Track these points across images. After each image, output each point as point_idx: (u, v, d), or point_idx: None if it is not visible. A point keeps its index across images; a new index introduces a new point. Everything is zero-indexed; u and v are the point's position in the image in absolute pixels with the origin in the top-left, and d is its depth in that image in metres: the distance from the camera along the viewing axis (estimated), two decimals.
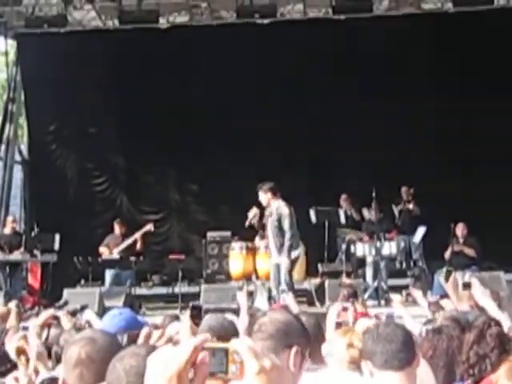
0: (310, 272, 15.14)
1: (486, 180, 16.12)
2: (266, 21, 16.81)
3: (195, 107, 17.20)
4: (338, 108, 16.88)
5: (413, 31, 16.65)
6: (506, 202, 15.82)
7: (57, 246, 14.79)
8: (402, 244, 14.68)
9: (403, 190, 15.81)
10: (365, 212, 15.49)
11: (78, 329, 5.65)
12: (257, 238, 14.43)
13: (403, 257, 15.05)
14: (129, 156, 17.98)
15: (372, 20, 16.59)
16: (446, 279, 7.22)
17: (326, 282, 13.45)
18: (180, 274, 14.34)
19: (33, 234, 16.21)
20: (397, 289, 11.32)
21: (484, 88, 16.33)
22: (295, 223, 12.06)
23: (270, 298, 12.87)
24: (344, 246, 15.14)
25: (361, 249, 14.06)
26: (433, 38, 16.62)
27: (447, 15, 16.77)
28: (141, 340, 3.86)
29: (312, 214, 15.29)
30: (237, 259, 14.95)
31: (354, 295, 8.72)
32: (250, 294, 12.36)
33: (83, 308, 7.29)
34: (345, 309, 6.56)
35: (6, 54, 18.29)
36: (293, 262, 12.12)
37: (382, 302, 13.01)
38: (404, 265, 15.22)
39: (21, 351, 4.90)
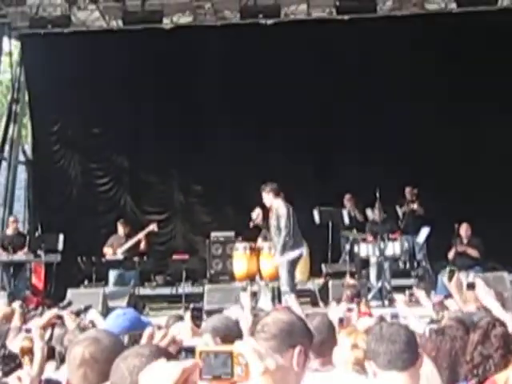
0: (314, 272, 15.14)
1: (490, 180, 16.12)
2: (269, 21, 16.83)
3: (199, 107, 17.19)
4: (341, 108, 16.89)
5: (416, 31, 16.63)
6: (509, 203, 15.80)
7: (60, 246, 14.81)
8: (406, 244, 14.66)
9: (407, 190, 15.81)
10: (368, 212, 15.48)
11: (82, 329, 5.65)
12: (259, 239, 14.43)
13: (407, 257, 15.03)
14: (132, 156, 17.99)
15: (376, 20, 16.58)
16: (450, 279, 7.19)
17: (330, 283, 13.46)
18: (184, 274, 14.35)
19: (36, 234, 16.24)
20: (400, 289, 11.30)
21: (487, 87, 16.33)
22: (295, 223, 12.08)
23: (273, 298, 12.89)
24: (348, 247, 15.13)
25: (364, 249, 14.05)
26: (436, 38, 16.59)
27: (451, 15, 16.74)
28: (144, 340, 3.86)
29: (316, 214, 15.28)
30: (240, 260, 14.93)
31: (357, 296, 8.74)
32: (254, 295, 12.36)
33: (87, 308, 7.31)
34: (350, 309, 6.58)
35: (10, 54, 18.30)
36: (295, 262, 12.14)
37: (386, 302, 12.99)
38: (408, 265, 15.21)
39: (25, 351, 4.90)
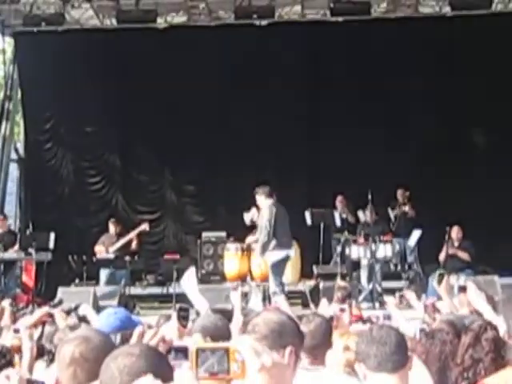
0: (305, 274, 15.16)
1: (482, 184, 16.16)
2: (264, 22, 16.81)
3: (192, 107, 17.17)
4: (335, 109, 16.88)
5: (410, 34, 16.66)
6: (501, 206, 15.85)
7: (52, 244, 14.76)
8: (397, 247, 14.69)
9: (399, 192, 15.85)
10: (360, 214, 15.50)
11: (73, 327, 5.64)
12: (249, 237, 14.30)
13: (398, 259, 15.06)
14: (125, 155, 17.96)
15: (370, 22, 16.59)
16: (439, 283, 7.23)
17: (321, 284, 13.46)
18: (175, 274, 14.31)
19: (28, 232, 16.18)
20: (391, 291, 11.31)
21: (482, 90, 16.37)
22: (284, 224, 12.10)
23: (264, 299, 12.90)
24: (339, 248, 15.15)
25: (356, 251, 14.07)
26: (430, 41, 16.62)
27: (445, 19, 16.77)
28: (134, 339, 3.85)
29: (307, 215, 15.30)
30: (232, 260, 14.94)
31: (348, 297, 8.75)
32: (245, 295, 12.37)
33: (77, 307, 7.29)
34: (342, 310, 6.59)
35: (4, 51, 18.25)
36: (280, 263, 12.16)
37: (377, 304, 13.01)
38: (399, 267, 15.25)
39: (16, 350, 4.90)
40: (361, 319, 7.14)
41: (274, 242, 12.02)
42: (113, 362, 2.60)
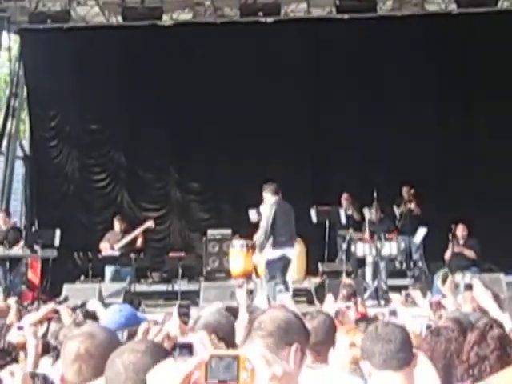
0: (310, 271, 15.16)
1: (487, 181, 16.12)
2: (269, 19, 16.81)
3: (197, 104, 17.18)
4: (340, 107, 16.86)
5: (416, 32, 16.64)
6: (506, 204, 15.81)
7: (57, 241, 14.78)
8: (403, 244, 14.66)
9: (404, 190, 15.82)
10: (366, 212, 15.46)
11: (78, 324, 5.65)
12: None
13: (403, 257, 15.03)
14: (130, 153, 17.97)
15: (376, 20, 16.57)
16: (443, 281, 7.21)
17: (326, 282, 13.45)
18: (180, 271, 14.32)
19: (33, 229, 16.19)
20: (396, 289, 11.31)
21: (487, 88, 16.35)
22: (287, 223, 12.07)
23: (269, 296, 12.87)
24: (344, 246, 15.12)
25: (361, 249, 14.06)
26: (436, 38, 16.60)
27: (451, 16, 16.75)
28: (139, 335, 3.86)
29: (313, 213, 15.27)
30: (237, 257, 14.94)
31: (353, 295, 8.75)
32: (250, 293, 12.35)
33: (84, 304, 7.30)
34: (348, 307, 6.59)
35: (9, 49, 18.25)
36: (277, 261, 12.10)
37: (382, 302, 13.00)
38: (404, 265, 15.21)
39: (21, 347, 4.90)
40: (366, 317, 7.15)
41: (270, 241, 11.95)
42: (118, 358, 2.61)
